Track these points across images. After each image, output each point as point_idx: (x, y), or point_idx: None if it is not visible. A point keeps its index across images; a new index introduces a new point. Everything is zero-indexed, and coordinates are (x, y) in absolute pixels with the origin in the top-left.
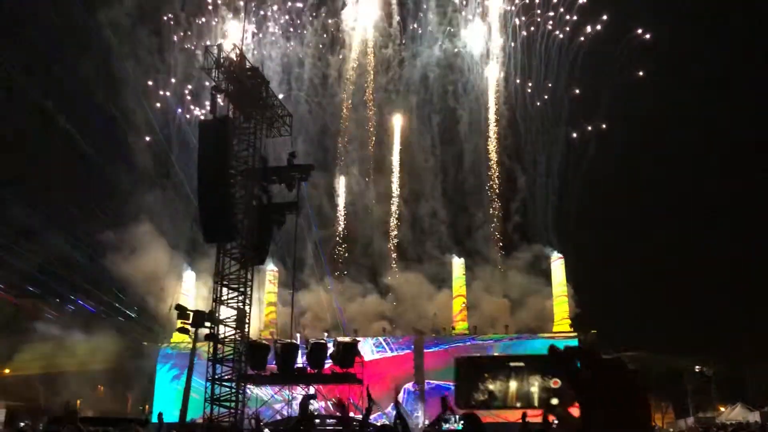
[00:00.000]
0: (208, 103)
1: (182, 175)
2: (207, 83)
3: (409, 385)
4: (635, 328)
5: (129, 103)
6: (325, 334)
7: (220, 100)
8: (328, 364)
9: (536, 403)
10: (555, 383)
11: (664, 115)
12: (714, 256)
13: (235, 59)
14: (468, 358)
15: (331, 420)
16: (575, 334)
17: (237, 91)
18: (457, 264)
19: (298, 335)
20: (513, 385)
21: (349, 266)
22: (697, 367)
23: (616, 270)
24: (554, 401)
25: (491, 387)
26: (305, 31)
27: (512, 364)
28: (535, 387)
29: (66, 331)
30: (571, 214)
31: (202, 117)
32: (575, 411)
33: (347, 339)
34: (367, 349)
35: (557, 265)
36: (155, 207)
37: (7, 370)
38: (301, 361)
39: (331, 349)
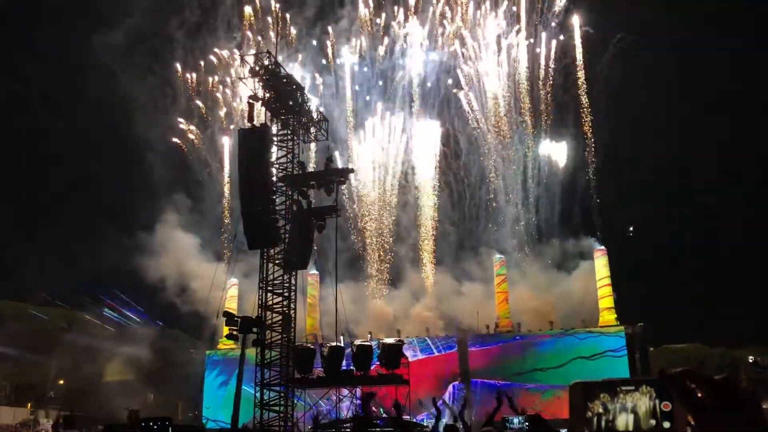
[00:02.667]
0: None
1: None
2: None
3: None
4: (680, 321)
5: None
6: (369, 336)
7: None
8: (374, 365)
9: (643, 426)
10: (666, 406)
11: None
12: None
13: (270, 67)
14: (582, 384)
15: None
16: (621, 327)
17: (273, 99)
18: (498, 261)
19: (341, 338)
20: (623, 407)
21: (389, 265)
22: (750, 357)
23: (660, 263)
24: (666, 425)
25: (600, 410)
26: None
27: (623, 387)
28: (643, 410)
29: (116, 341)
30: (612, 206)
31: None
32: None
33: (392, 340)
34: (412, 349)
35: (600, 258)
36: (195, 216)
37: (61, 381)
38: (345, 363)
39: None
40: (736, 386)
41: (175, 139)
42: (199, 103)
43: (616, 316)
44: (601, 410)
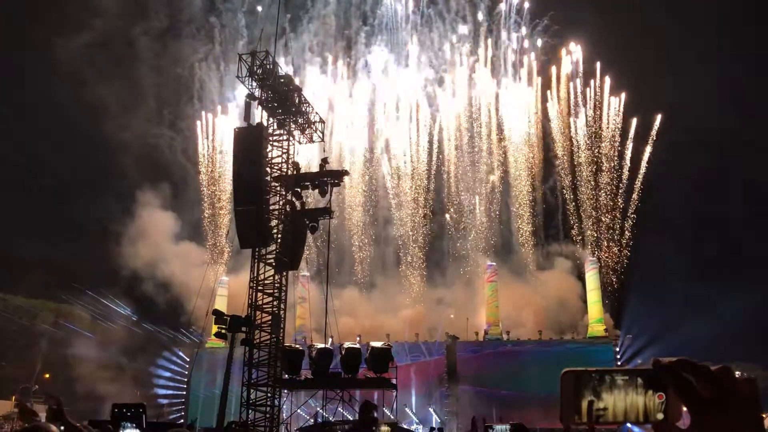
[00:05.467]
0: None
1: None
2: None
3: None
4: (670, 332)
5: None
6: (357, 339)
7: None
8: (362, 368)
9: (641, 418)
10: (660, 397)
11: None
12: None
13: (268, 67)
14: (573, 372)
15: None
16: (609, 338)
17: (270, 99)
18: (490, 269)
19: (330, 339)
20: (615, 397)
21: (381, 271)
22: (738, 373)
23: (650, 272)
24: (659, 416)
25: (592, 399)
26: None
27: (616, 376)
28: (636, 400)
29: (102, 336)
30: (604, 219)
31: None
32: (681, 425)
33: (380, 344)
34: (401, 354)
35: (592, 270)
36: (190, 213)
37: (47, 375)
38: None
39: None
40: (732, 377)
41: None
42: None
43: (604, 327)
44: (592, 398)
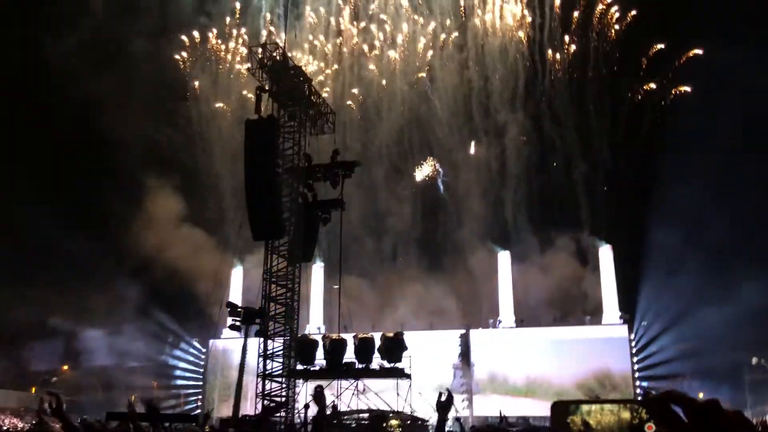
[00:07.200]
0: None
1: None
2: None
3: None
4: (685, 320)
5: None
6: (371, 328)
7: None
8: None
9: None
10: (649, 428)
11: None
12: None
13: (278, 59)
14: (563, 402)
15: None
16: (623, 322)
17: (281, 90)
18: (503, 255)
19: (344, 328)
20: (604, 427)
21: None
22: (754, 359)
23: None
24: None
25: (582, 429)
26: None
27: (606, 406)
28: (626, 430)
29: (118, 326)
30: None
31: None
32: None
33: (393, 333)
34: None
35: (605, 254)
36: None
37: (65, 367)
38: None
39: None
40: (720, 410)
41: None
42: None
43: (620, 313)
44: (582, 429)
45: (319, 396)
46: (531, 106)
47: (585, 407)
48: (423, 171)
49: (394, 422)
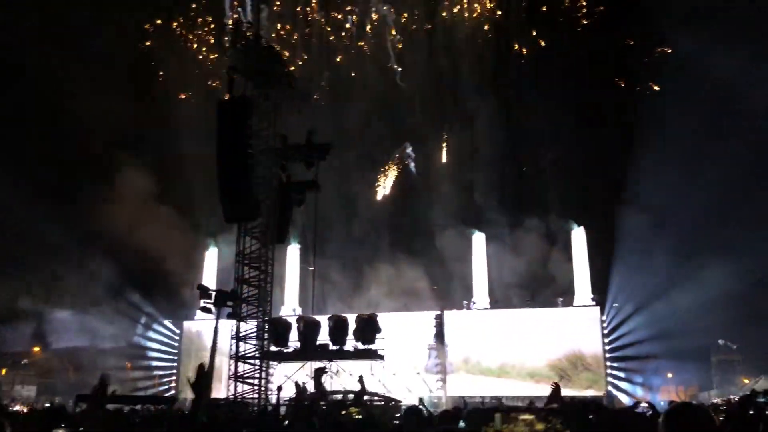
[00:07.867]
0: None
1: None
2: None
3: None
4: (656, 302)
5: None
6: (345, 310)
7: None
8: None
9: None
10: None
11: None
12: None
13: (250, 37)
14: (476, 410)
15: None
16: (595, 304)
17: (254, 70)
18: (477, 237)
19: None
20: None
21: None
22: (720, 340)
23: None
24: None
25: None
26: None
27: (521, 416)
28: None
29: (91, 307)
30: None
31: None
32: None
33: (367, 314)
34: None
35: (578, 236)
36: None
37: (36, 348)
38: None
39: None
40: (639, 417)
41: None
42: None
43: (592, 295)
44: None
45: (318, 378)
46: (500, 93)
47: (498, 418)
48: (394, 155)
49: (353, 409)
